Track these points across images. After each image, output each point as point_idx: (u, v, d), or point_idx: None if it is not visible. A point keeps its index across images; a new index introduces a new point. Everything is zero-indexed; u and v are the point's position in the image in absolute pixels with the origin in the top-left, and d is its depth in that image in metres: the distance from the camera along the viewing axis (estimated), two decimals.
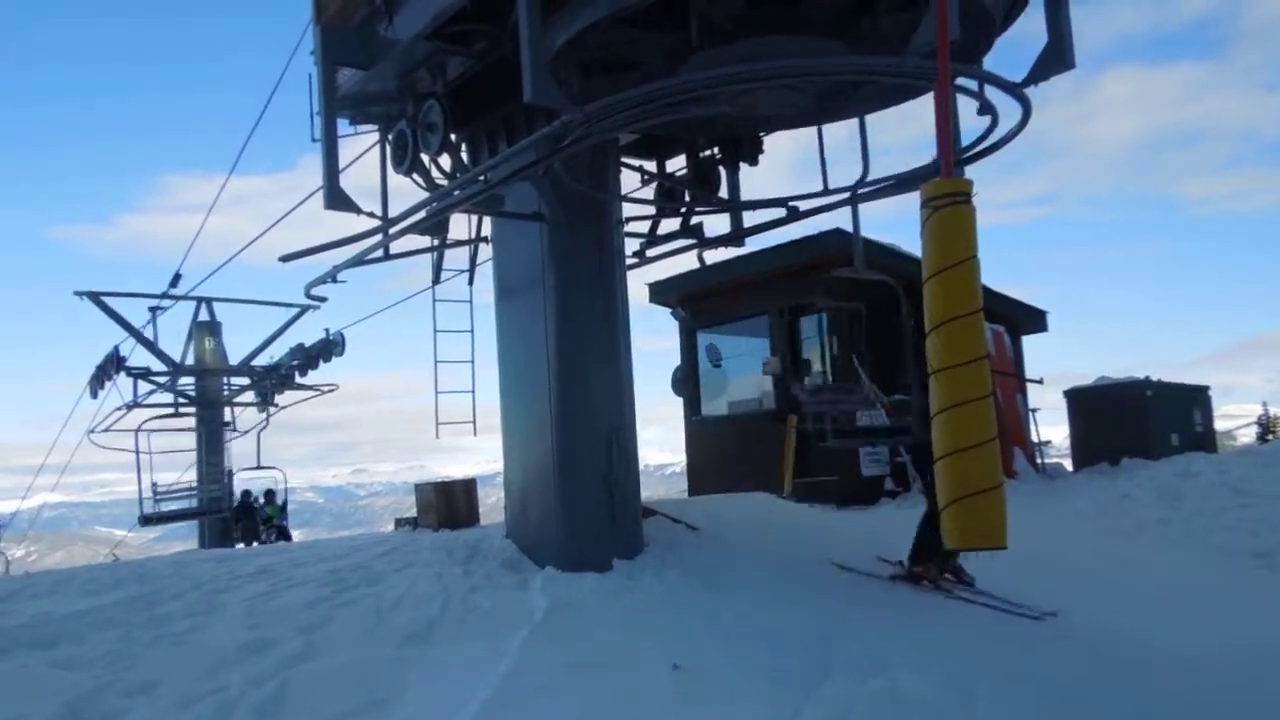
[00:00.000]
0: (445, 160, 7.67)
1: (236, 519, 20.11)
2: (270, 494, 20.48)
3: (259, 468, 20.49)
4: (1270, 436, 20.93)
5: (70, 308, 19.65)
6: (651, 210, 8.73)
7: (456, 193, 7.28)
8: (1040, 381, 14.96)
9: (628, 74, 6.35)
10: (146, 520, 18.13)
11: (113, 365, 19.81)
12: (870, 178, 7.21)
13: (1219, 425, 17.15)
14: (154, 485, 18.00)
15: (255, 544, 19.21)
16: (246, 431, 21.60)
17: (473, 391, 8.59)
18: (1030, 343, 15.46)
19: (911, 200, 4.17)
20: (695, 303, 14.13)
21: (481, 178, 7.25)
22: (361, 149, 8.15)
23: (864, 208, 6.93)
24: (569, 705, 4.38)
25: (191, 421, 20.58)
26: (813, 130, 7.68)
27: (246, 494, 20.51)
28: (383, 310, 12.32)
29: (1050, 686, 4.77)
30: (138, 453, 17.72)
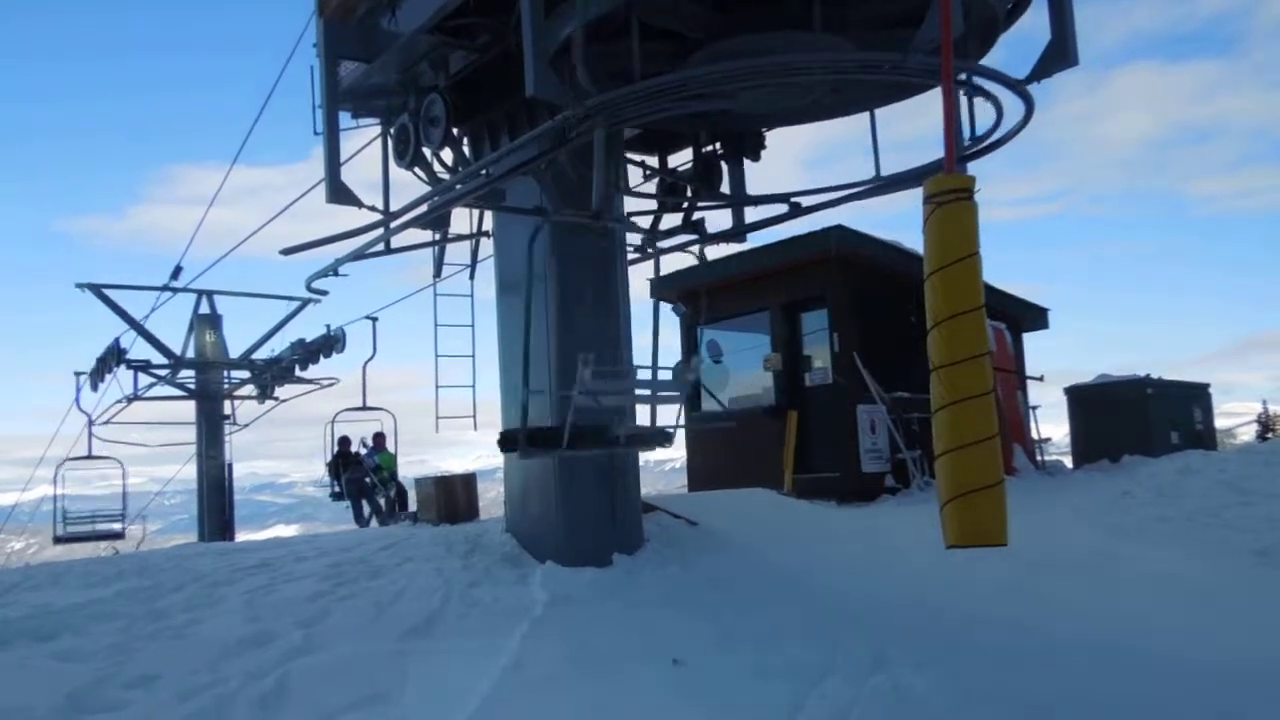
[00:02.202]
0: (447, 154, 7.66)
1: (336, 470, 17.10)
2: (380, 438, 17.39)
3: (364, 408, 17.21)
4: (1270, 434, 20.94)
5: (73, 300, 19.95)
6: (653, 205, 8.72)
7: (458, 187, 7.27)
8: (1041, 378, 14.97)
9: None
10: (59, 540, 20.71)
11: (113, 358, 19.84)
12: (870, 175, 7.18)
13: (1219, 423, 17.17)
14: (64, 510, 20.74)
15: (364, 502, 17.06)
16: (247, 425, 21.62)
17: (473, 386, 8.60)
18: (1031, 340, 15.45)
19: (914, 197, 4.16)
20: (696, 298, 14.11)
21: (483, 172, 7.24)
22: (363, 142, 8.17)
23: (864, 205, 6.92)
24: (568, 700, 4.39)
25: (107, 461, 20.92)
26: (815, 126, 7.66)
27: (345, 440, 17.27)
28: (386, 307, 12.33)
29: (1045, 683, 4.77)
30: (55, 483, 20.41)
